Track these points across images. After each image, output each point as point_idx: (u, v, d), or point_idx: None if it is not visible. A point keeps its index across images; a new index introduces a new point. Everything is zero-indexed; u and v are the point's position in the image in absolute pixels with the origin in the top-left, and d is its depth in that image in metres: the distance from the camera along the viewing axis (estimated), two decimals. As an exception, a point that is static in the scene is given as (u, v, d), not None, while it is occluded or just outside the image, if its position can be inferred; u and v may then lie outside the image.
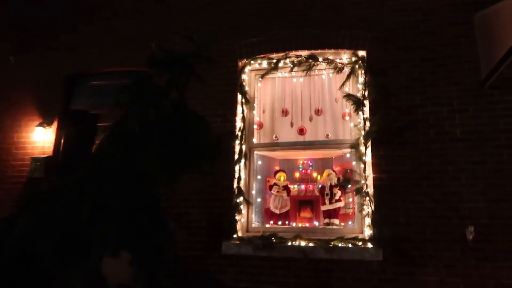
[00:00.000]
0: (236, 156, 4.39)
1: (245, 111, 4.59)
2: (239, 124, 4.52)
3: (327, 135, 4.42)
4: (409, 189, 3.88)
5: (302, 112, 4.58)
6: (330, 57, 4.49)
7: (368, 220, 3.91)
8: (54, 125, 5.23)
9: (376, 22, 4.43)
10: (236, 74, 4.66)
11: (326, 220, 4.21)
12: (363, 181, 3.99)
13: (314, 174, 4.57)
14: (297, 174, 4.62)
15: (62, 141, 5.28)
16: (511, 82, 3.89)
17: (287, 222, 4.33)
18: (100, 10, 5.51)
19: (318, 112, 4.52)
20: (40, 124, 5.19)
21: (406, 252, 3.74)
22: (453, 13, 4.27)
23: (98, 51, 5.28)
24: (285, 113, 4.61)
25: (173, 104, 2.55)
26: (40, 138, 5.19)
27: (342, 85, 4.35)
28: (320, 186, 4.36)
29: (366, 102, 4.20)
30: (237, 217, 4.22)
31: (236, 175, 4.34)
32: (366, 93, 4.21)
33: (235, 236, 4.16)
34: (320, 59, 4.49)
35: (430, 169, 3.90)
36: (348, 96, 4.21)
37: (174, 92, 2.66)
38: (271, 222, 4.34)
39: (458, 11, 4.27)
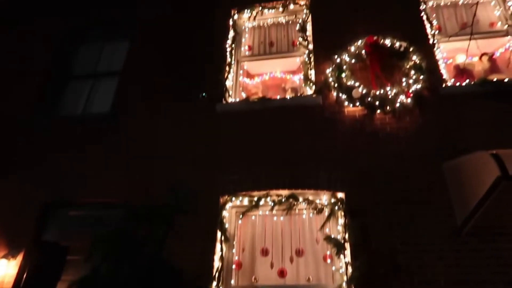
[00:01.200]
0: (213, 302, 4.10)
1: (224, 249, 4.45)
2: (217, 263, 4.32)
3: (309, 278, 4.24)
4: None
5: (282, 252, 4.45)
6: (310, 197, 4.58)
7: None
8: (20, 257, 4.91)
9: (353, 166, 4.66)
10: (217, 211, 4.65)
11: None
12: (348, 334, 3.71)
13: (296, 322, 4.25)
14: (277, 322, 4.28)
15: (25, 275, 4.90)
16: (487, 231, 3.96)
17: None
18: (81, 141, 5.67)
19: (299, 253, 4.40)
20: (5, 256, 4.87)
21: None
22: (423, 161, 4.55)
23: (79, 179, 5.28)
24: (265, 252, 4.47)
25: (149, 259, 2.45)
26: (1, 271, 4.81)
27: (322, 226, 4.35)
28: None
29: (347, 245, 4.16)
30: None
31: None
32: (347, 236, 4.19)
33: None
34: (300, 199, 4.57)
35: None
36: (329, 239, 4.18)
37: (151, 244, 2.58)
38: None
39: (428, 158, 4.55)
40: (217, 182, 4.83)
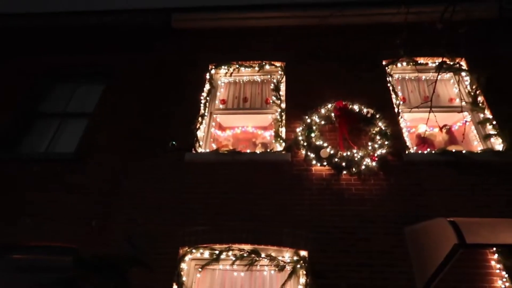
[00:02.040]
0: None
1: (179, 304, 4.21)
2: (170, 319, 4.07)
3: None
4: None
5: (240, 310, 4.26)
6: (273, 254, 4.48)
7: None
8: (-50, 304, 4.46)
9: (317, 224, 4.64)
10: (175, 262, 4.45)
11: None
12: None
13: None
14: None
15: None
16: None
17: None
18: (39, 180, 5.44)
19: (257, 312, 4.22)
20: None
21: None
22: (386, 223, 4.61)
23: (29, 220, 4.99)
24: (222, 310, 4.26)
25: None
26: None
27: (283, 284, 4.22)
28: None
29: (307, 306, 4.03)
30: None
31: None
32: (307, 296, 4.08)
33: None
34: (263, 255, 4.46)
35: None
36: (289, 298, 4.04)
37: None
38: None
39: (390, 221, 4.62)
40: (178, 233, 4.68)
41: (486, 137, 5.43)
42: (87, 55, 7.16)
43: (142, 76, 6.64)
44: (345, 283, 4.18)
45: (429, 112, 4.68)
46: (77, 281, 2.45)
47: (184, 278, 4.37)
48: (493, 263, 4.21)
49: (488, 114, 5.58)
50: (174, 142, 5.49)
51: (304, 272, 4.28)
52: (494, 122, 5.44)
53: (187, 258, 4.54)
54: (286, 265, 4.41)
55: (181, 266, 4.44)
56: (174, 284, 4.30)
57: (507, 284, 4.01)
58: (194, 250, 4.57)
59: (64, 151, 6.01)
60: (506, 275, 4.06)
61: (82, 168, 5.54)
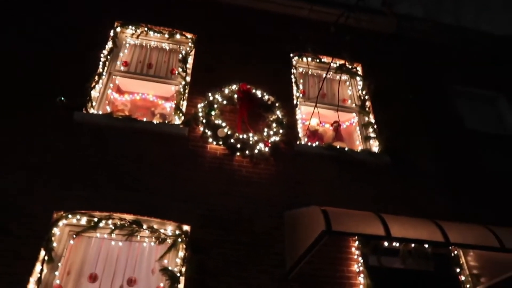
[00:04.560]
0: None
1: (45, 270, 3.92)
2: (32, 287, 3.78)
3: (136, 310, 4.01)
4: None
5: (113, 280, 4.12)
6: (155, 226, 4.43)
7: None
8: None
9: (205, 201, 4.70)
10: (47, 227, 4.13)
11: None
12: None
13: None
14: None
15: None
16: (309, 277, 4.36)
17: None
18: None
19: (130, 282, 4.13)
20: None
21: None
22: (269, 207, 4.87)
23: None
24: (93, 279, 4.07)
25: None
26: None
27: (162, 256, 4.22)
28: None
29: (182, 279, 4.09)
30: None
31: None
32: (184, 270, 4.14)
33: None
34: (145, 227, 4.39)
35: None
36: (165, 270, 4.06)
37: None
38: None
39: (273, 205, 4.89)
40: (54, 196, 4.34)
41: (366, 139, 6.03)
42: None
43: (38, 20, 5.90)
44: (222, 259, 4.33)
45: (314, 107, 5.01)
46: None
47: (54, 244, 4.09)
48: (353, 249, 4.75)
49: (371, 118, 6.19)
50: (63, 98, 5.04)
51: (184, 246, 4.32)
52: (375, 126, 6.06)
53: (60, 223, 4.24)
54: (167, 238, 4.41)
55: (52, 231, 4.14)
56: (42, 249, 4.00)
57: (361, 268, 4.56)
58: (70, 216, 4.28)
59: None
60: (362, 260, 4.62)
61: None
